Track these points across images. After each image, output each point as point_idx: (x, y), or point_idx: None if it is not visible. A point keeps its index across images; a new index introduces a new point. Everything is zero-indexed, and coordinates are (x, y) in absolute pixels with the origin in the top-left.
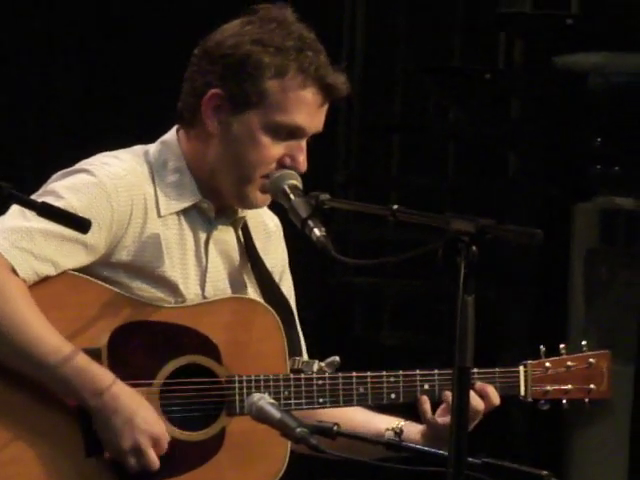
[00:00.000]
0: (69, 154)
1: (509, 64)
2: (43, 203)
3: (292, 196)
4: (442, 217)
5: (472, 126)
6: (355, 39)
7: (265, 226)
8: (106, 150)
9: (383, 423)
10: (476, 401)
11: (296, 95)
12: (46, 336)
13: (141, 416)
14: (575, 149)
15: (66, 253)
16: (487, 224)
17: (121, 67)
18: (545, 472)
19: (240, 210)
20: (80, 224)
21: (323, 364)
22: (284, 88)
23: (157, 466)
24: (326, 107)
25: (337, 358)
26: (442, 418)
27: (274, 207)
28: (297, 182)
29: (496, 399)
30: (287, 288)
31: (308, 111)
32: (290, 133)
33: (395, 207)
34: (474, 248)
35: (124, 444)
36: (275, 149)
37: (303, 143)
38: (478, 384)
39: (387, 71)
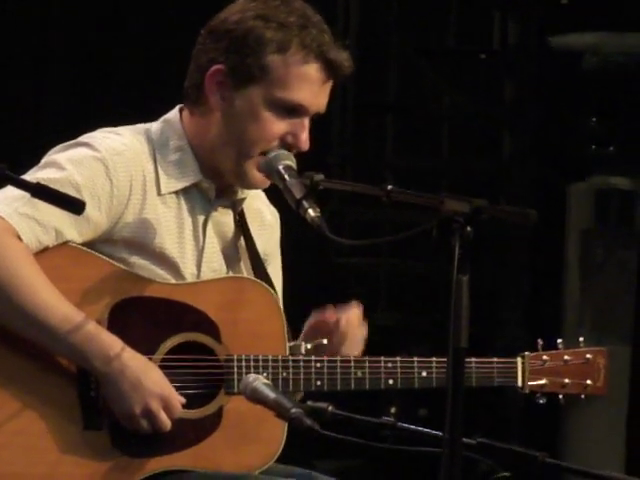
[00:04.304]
0: (65, 137)
1: (504, 45)
2: (37, 184)
3: (286, 177)
4: (436, 197)
5: (466, 107)
6: (349, 19)
7: (262, 215)
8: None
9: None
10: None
11: (298, 71)
12: (55, 303)
13: (150, 379)
14: (570, 129)
15: (69, 223)
16: (481, 204)
17: (117, 52)
18: (540, 452)
19: (240, 192)
20: (74, 205)
21: (309, 346)
22: (286, 63)
23: (168, 427)
24: (329, 86)
25: (324, 341)
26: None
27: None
28: (292, 163)
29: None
30: (274, 276)
31: (310, 88)
32: (292, 110)
33: (389, 187)
34: (468, 228)
35: (135, 408)
36: (277, 125)
37: (306, 121)
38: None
39: (381, 52)
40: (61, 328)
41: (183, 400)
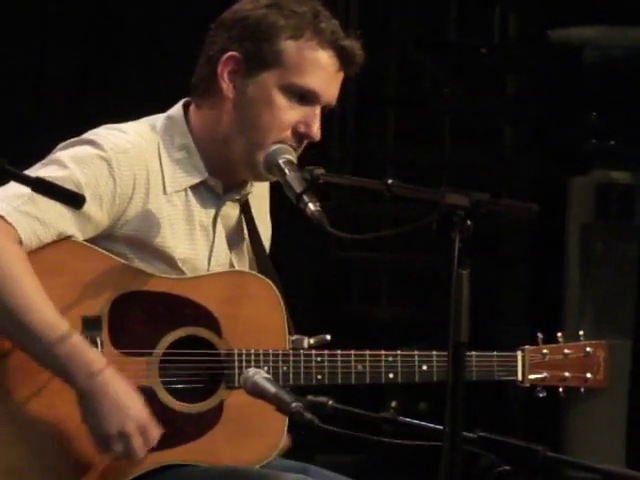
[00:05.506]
0: (66, 133)
1: (504, 38)
2: (37, 178)
3: (287, 171)
4: (437, 191)
5: (468, 101)
6: (349, 13)
7: (263, 189)
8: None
9: None
10: None
11: (312, 56)
12: (44, 311)
13: (131, 402)
14: (570, 123)
15: (70, 221)
16: (482, 198)
17: (118, 51)
18: (541, 447)
19: (249, 186)
20: (74, 200)
21: (312, 341)
22: (300, 49)
23: (142, 455)
24: (340, 77)
25: (327, 337)
26: None
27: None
28: (292, 157)
29: None
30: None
31: (323, 75)
32: (304, 97)
33: (390, 181)
34: (469, 222)
35: (111, 429)
36: (290, 113)
37: (317, 110)
38: None
39: (382, 46)
40: (45, 338)
41: (161, 432)
